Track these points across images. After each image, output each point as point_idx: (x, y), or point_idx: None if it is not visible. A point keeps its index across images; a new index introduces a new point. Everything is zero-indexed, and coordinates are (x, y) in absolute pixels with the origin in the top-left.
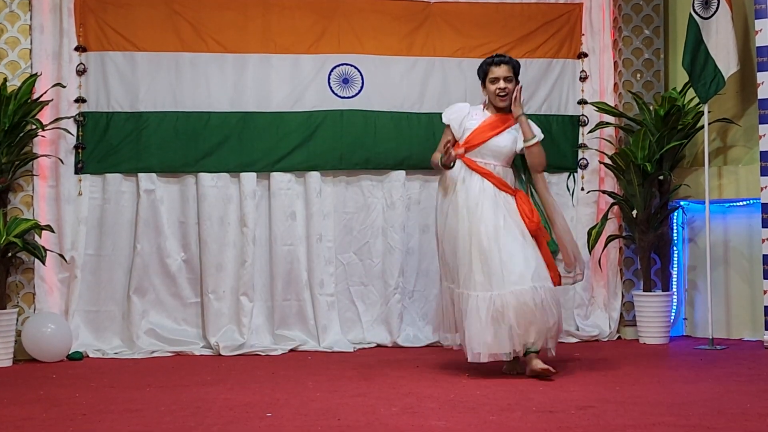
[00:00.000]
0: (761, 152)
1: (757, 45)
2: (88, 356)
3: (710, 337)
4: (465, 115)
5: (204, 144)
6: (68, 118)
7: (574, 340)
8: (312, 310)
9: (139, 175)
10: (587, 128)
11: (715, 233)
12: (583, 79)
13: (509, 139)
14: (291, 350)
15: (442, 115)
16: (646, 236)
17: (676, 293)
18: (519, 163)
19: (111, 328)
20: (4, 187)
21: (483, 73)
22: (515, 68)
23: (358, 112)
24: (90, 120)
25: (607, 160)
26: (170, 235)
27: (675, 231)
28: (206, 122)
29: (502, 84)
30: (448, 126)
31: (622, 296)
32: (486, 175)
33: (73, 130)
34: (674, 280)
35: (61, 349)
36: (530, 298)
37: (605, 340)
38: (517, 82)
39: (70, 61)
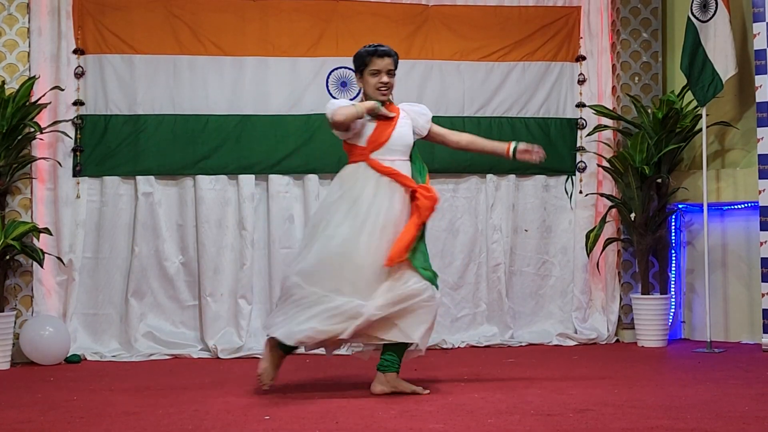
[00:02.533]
0: (759, 155)
1: (755, 48)
2: (86, 359)
3: (708, 340)
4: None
5: (202, 147)
6: (66, 121)
7: (573, 342)
8: None
9: (137, 177)
10: (585, 131)
11: (713, 236)
12: (581, 82)
13: (407, 127)
14: None
15: (332, 102)
16: (644, 239)
17: (674, 296)
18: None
19: (109, 331)
20: (2, 190)
21: (362, 63)
22: (397, 62)
23: None
24: (88, 123)
25: (605, 163)
26: (168, 238)
27: (673, 234)
28: (204, 125)
29: (385, 78)
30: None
31: (620, 299)
32: (393, 175)
33: (71, 133)
34: (672, 283)
35: (59, 352)
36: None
37: (603, 343)
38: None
39: (68, 63)
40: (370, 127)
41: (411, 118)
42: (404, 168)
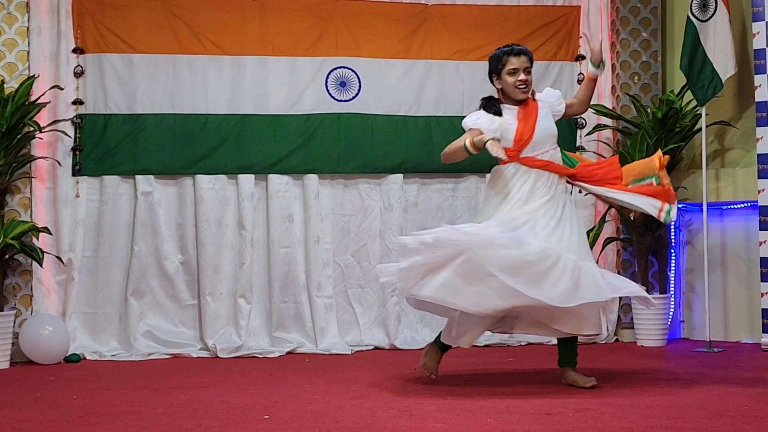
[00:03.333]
0: (759, 155)
1: (754, 48)
2: (85, 358)
3: (708, 339)
4: (488, 120)
5: (202, 146)
6: (66, 120)
7: None
8: (309, 313)
9: (137, 177)
10: (585, 131)
11: (712, 236)
12: (580, 81)
13: (548, 116)
14: (288, 352)
15: (465, 120)
16: (644, 239)
17: (673, 296)
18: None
19: (108, 330)
20: (1, 189)
21: (499, 63)
22: (532, 59)
23: (356, 116)
24: (87, 122)
25: None
26: (168, 237)
27: (672, 233)
28: (204, 124)
29: (522, 76)
30: (471, 130)
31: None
32: (545, 167)
33: (71, 132)
34: (672, 282)
35: (59, 352)
36: None
37: (603, 342)
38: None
39: (67, 63)
40: (512, 127)
41: (548, 105)
42: (555, 157)
